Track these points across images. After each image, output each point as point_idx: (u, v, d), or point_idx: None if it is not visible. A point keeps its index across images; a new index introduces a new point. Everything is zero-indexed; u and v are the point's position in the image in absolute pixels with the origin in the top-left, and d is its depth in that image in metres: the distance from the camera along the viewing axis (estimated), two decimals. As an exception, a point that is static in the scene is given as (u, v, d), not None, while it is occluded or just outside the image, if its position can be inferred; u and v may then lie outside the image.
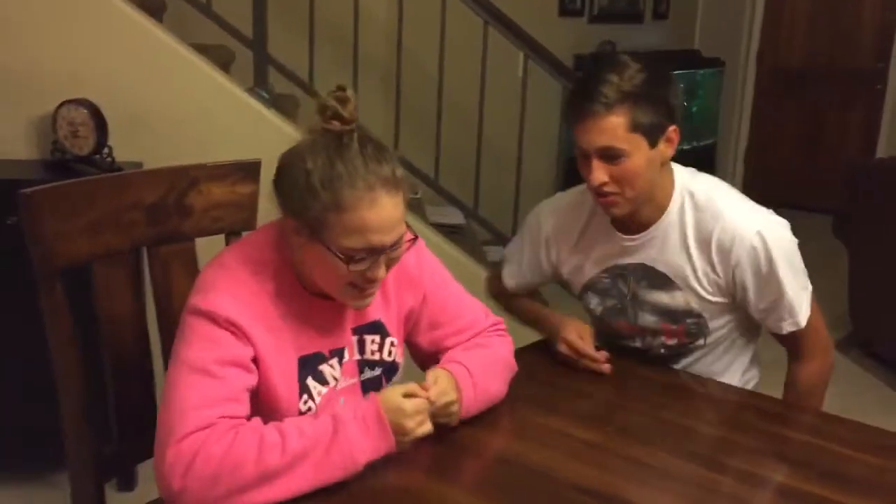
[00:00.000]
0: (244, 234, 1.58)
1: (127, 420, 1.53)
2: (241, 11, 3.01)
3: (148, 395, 1.56)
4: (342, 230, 1.23)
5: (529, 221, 1.85)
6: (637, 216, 1.66)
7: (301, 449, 1.19)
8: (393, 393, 1.29)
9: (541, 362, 1.71)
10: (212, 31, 3.05)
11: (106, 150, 2.57)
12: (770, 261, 1.60)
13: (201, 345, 1.23)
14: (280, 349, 1.30)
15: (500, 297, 1.94)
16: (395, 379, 1.49)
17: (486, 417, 1.43)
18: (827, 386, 1.74)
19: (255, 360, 1.26)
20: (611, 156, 1.56)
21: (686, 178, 1.68)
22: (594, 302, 1.80)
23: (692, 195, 1.65)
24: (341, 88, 1.26)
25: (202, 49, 2.81)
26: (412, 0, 3.24)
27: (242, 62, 3.16)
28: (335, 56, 3.36)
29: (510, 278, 1.89)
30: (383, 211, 1.23)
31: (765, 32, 6.43)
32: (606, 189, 1.59)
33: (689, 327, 1.71)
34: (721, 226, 1.61)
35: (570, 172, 4.28)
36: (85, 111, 2.52)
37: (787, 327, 1.67)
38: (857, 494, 1.28)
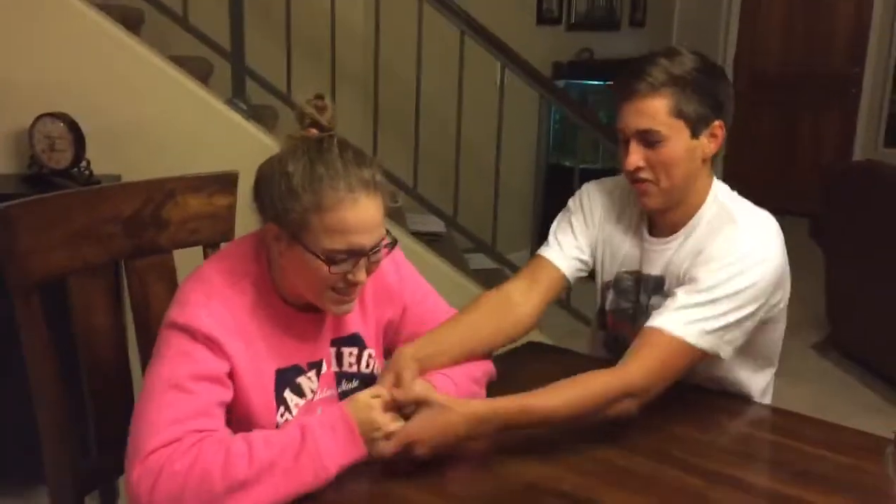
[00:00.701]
0: (223, 245, 1.59)
1: (106, 433, 1.53)
2: (218, 24, 3.01)
3: (127, 407, 1.54)
4: (323, 231, 1.24)
5: (574, 198, 1.78)
6: (668, 217, 1.62)
7: (268, 458, 1.18)
8: (361, 395, 1.29)
9: (522, 368, 1.72)
10: (190, 43, 3.05)
11: (84, 164, 2.57)
12: (720, 260, 1.48)
13: (177, 359, 1.24)
14: (257, 362, 1.31)
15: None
16: None
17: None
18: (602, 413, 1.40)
19: (230, 375, 1.27)
20: (650, 140, 1.53)
21: (721, 190, 1.63)
22: (610, 298, 1.76)
23: (718, 202, 1.61)
24: (319, 97, 1.29)
25: (180, 61, 2.81)
26: (389, 10, 3.25)
27: (220, 74, 3.16)
28: (313, 67, 3.37)
29: (552, 253, 1.71)
30: (364, 212, 1.25)
31: (741, 38, 6.51)
32: (642, 175, 1.55)
33: None
34: (725, 227, 1.54)
35: (550, 179, 4.30)
36: (62, 125, 2.52)
37: (648, 321, 1.47)
38: (830, 493, 1.30)
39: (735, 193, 1.66)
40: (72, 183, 2.52)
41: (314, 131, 1.28)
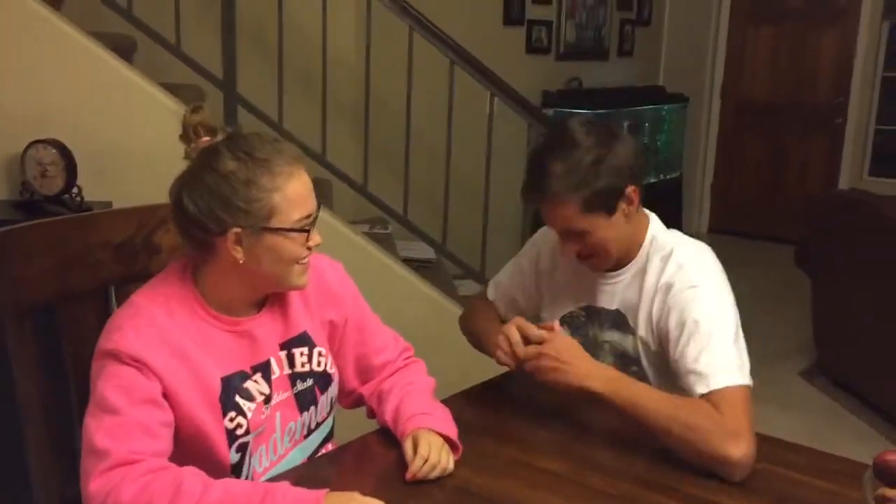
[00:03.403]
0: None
1: (94, 459, 1.53)
2: (211, 52, 3.04)
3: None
4: (288, 205, 1.32)
5: (535, 235, 1.89)
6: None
7: None
8: (350, 495, 1.23)
9: (500, 394, 1.74)
10: (182, 71, 3.08)
11: (75, 190, 2.58)
12: (696, 313, 1.54)
13: (111, 385, 1.26)
14: (196, 373, 1.33)
15: (472, 317, 1.92)
16: (330, 391, 1.51)
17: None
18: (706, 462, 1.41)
19: (165, 395, 1.29)
20: (574, 233, 1.60)
21: (658, 228, 1.70)
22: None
23: (658, 242, 1.67)
24: (196, 106, 1.37)
25: (172, 89, 2.83)
26: (380, 40, 3.29)
27: (213, 102, 3.18)
28: (304, 95, 3.41)
29: (494, 288, 1.93)
30: (305, 179, 1.36)
31: (728, 68, 6.60)
32: (582, 257, 1.64)
33: (631, 376, 1.69)
34: (678, 273, 1.60)
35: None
36: (54, 151, 2.54)
37: (698, 388, 1.47)
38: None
39: (673, 231, 1.71)
40: (63, 209, 2.53)
41: (207, 139, 1.34)
